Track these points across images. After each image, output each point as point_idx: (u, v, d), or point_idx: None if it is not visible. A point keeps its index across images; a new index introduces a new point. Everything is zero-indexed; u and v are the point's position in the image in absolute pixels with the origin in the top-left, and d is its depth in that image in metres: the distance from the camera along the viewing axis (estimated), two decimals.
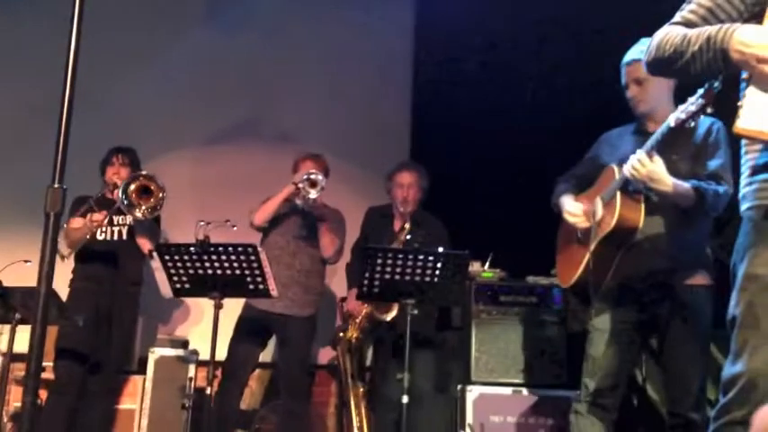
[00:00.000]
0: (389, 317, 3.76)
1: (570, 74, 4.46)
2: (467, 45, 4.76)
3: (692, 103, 2.19)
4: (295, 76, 5.05)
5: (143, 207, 3.73)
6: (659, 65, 1.78)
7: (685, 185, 2.60)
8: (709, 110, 2.15)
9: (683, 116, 2.23)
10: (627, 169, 2.54)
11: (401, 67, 5.18)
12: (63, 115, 1.60)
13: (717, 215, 2.74)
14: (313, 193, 3.78)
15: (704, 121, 2.69)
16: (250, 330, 3.92)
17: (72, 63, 1.63)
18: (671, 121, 2.30)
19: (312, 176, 3.79)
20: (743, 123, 1.56)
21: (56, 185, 1.60)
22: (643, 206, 2.63)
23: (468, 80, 4.82)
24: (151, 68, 4.90)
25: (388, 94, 5.16)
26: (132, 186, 3.74)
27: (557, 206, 3.05)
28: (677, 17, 1.79)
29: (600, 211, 2.73)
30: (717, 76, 1.70)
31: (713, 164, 2.72)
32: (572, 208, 2.91)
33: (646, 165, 2.49)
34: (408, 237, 3.72)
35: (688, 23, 1.75)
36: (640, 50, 2.72)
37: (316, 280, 4.03)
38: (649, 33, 1.83)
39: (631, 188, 2.63)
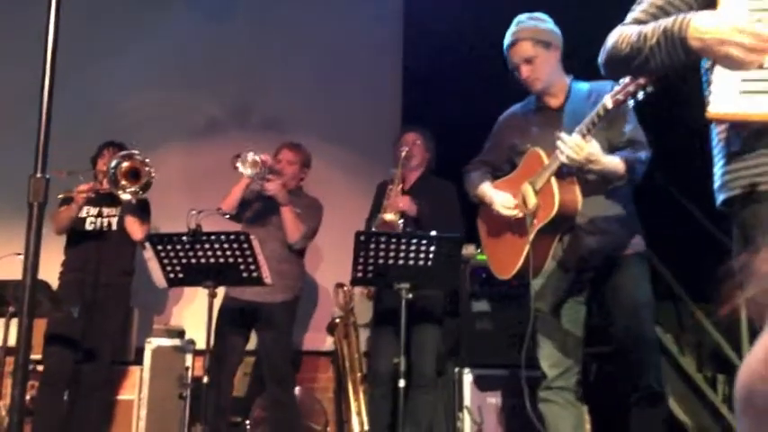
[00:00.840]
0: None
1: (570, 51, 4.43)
2: (457, 29, 4.72)
3: (629, 83, 2.15)
4: (283, 64, 5.03)
5: (131, 188, 3.70)
6: (616, 65, 1.76)
7: (616, 160, 2.56)
8: (649, 88, 2.11)
9: (620, 97, 2.19)
10: (564, 154, 2.45)
11: (391, 52, 5.15)
12: (43, 104, 1.58)
13: (638, 182, 2.69)
14: (249, 171, 3.73)
15: (605, 86, 2.55)
16: (230, 320, 3.87)
17: (51, 51, 1.61)
18: (608, 102, 2.25)
19: (251, 158, 3.75)
20: (715, 108, 1.55)
21: (38, 175, 1.59)
22: (578, 188, 2.57)
23: (459, 65, 4.79)
24: (138, 57, 4.86)
25: (378, 79, 5.13)
26: (122, 165, 3.71)
27: (476, 196, 2.95)
28: (628, 18, 1.78)
29: (533, 199, 2.64)
30: (678, 68, 1.68)
31: (628, 129, 2.68)
32: (504, 200, 2.78)
33: (583, 148, 2.42)
34: (408, 219, 3.69)
35: (640, 23, 1.73)
36: (515, 31, 2.76)
37: (290, 265, 3.98)
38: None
39: (565, 170, 2.55)
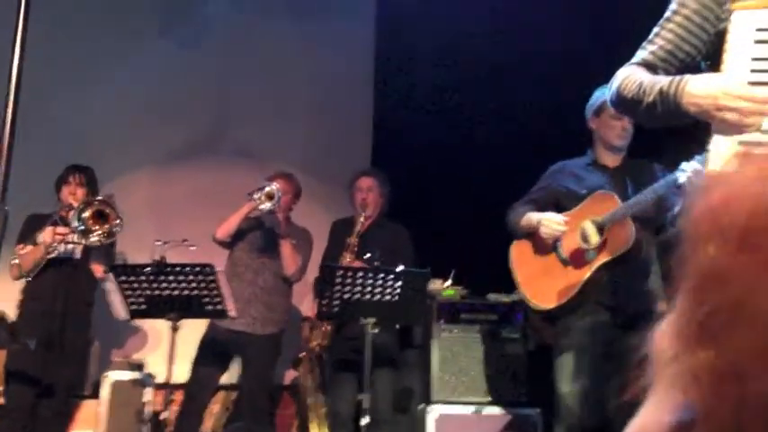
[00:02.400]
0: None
1: (534, 95, 4.52)
2: (427, 57, 4.79)
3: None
4: (252, 92, 5.03)
5: (98, 232, 3.63)
6: (623, 107, 1.81)
7: None
8: None
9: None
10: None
11: (361, 81, 5.19)
12: (5, 136, 1.55)
13: None
14: (267, 205, 3.72)
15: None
16: (212, 351, 3.86)
17: (15, 81, 1.59)
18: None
19: (267, 189, 3.74)
20: (711, 166, 1.58)
21: None
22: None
23: (429, 94, 4.85)
24: (105, 84, 4.82)
25: (347, 108, 5.16)
26: (87, 212, 3.63)
27: (522, 226, 3.06)
28: (638, 57, 1.80)
29: (595, 235, 2.82)
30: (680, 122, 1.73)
31: None
32: (551, 215, 2.95)
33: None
34: (366, 253, 3.70)
35: (648, 65, 1.76)
36: None
37: (280, 298, 3.98)
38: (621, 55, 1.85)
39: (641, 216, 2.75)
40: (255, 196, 3.74)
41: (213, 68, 5.03)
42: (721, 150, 1.56)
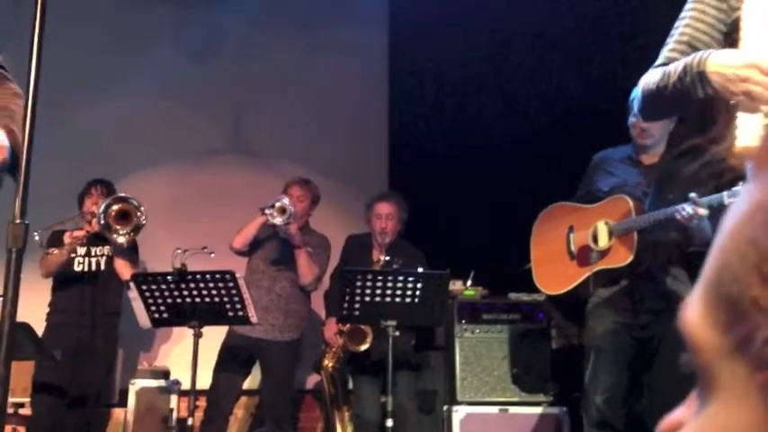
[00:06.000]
0: (363, 347, 3.73)
1: (552, 97, 4.50)
2: (443, 62, 4.78)
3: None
4: (268, 97, 5.03)
5: (122, 231, 3.67)
6: (649, 107, 1.80)
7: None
8: None
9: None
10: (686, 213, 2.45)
11: (377, 85, 5.18)
12: (23, 153, 1.57)
13: None
14: (279, 220, 3.72)
15: None
16: (233, 357, 3.89)
17: (32, 95, 1.60)
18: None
19: (279, 204, 3.74)
20: (743, 142, 1.56)
21: (17, 221, 1.57)
22: (649, 245, 2.79)
23: (444, 96, 4.83)
24: (119, 93, 4.82)
25: (365, 111, 5.16)
26: (111, 209, 3.67)
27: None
28: (660, 58, 1.80)
29: (605, 239, 2.87)
30: (697, 106, 1.70)
31: None
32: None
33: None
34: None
35: (670, 62, 1.76)
36: None
37: (298, 305, 3.99)
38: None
39: (647, 229, 2.73)
40: (268, 211, 3.72)
41: (228, 76, 5.04)
42: (749, 127, 1.54)
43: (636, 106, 1.84)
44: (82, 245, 3.88)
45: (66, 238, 3.78)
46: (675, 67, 1.66)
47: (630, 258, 2.80)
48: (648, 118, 1.90)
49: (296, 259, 3.88)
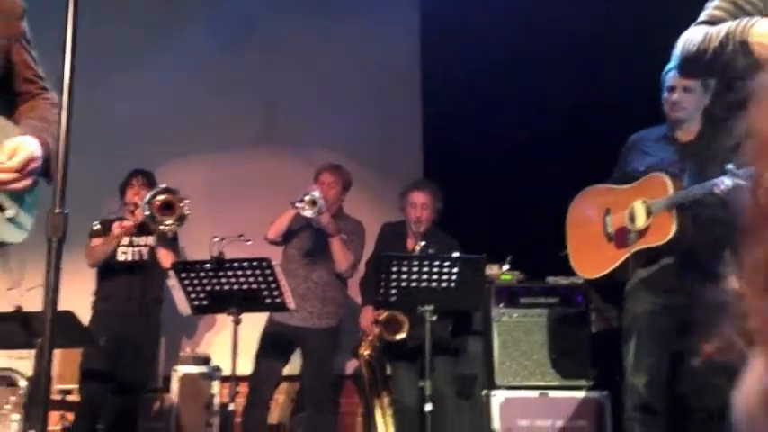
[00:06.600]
0: (399, 337, 3.73)
1: (588, 79, 4.42)
2: (475, 47, 4.72)
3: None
4: (302, 85, 5.02)
5: (167, 222, 3.73)
6: (686, 65, 1.78)
7: None
8: None
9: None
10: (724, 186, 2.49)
11: (409, 70, 5.14)
12: (60, 143, 1.59)
13: None
14: (310, 213, 3.73)
15: None
16: (273, 345, 3.94)
17: (68, 86, 1.62)
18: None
19: (309, 197, 3.74)
20: None
21: (56, 210, 1.60)
22: (689, 225, 2.74)
23: (480, 82, 4.77)
24: (153, 81, 4.87)
25: (397, 97, 5.12)
26: (156, 200, 3.73)
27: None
28: (703, 15, 1.77)
29: (642, 219, 2.80)
30: (739, 72, 1.66)
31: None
32: None
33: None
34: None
35: (713, 20, 1.71)
36: None
37: (335, 292, 4.01)
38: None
39: (687, 206, 2.69)
40: (299, 204, 3.74)
41: (259, 63, 5.03)
42: None
43: (675, 61, 1.81)
44: (128, 235, 3.97)
45: (116, 229, 3.86)
46: (718, 32, 1.62)
47: (670, 236, 2.72)
48: (686, 76, 1.88)
49: (331, 248, 3.90)
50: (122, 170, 4.16)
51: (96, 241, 4.01)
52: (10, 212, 1.77)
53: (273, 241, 4.00)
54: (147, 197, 3.72)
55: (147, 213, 3.69)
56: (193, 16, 5.11)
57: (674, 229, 2.71)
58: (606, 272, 2.95)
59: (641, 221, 2.82)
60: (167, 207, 3.74)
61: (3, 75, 1.84)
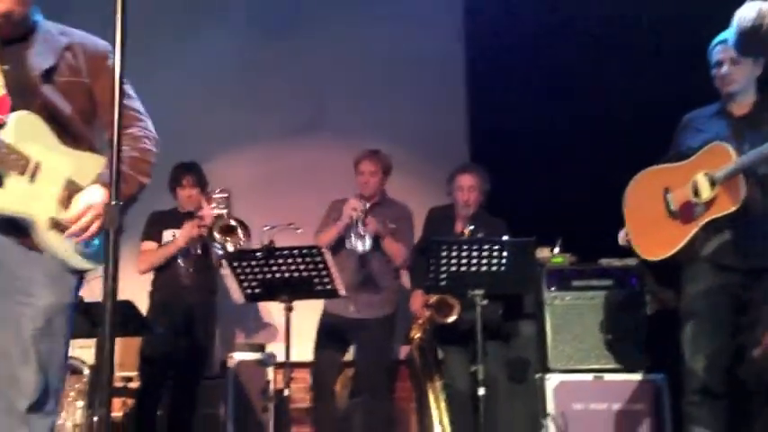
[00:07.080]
0: (450, 320, 3.72)
1: (635, 60, 4.31)
2: (520, 29, 4.65)
3: None
4: (346, 72, 5.03)
5: (230, 243, 3.79)
6: (743, 43, 1.81)
7: None
8: None
9: None
10: None
11: (454, 54, 5.09)
12: (114, 138, 1.64)
13: None
14: (361, 248, 3.81)
15: None
16: (330, 337, 3.99)
17: (119, 77, 1.66)
18: None
19: (347, 220, 3.83)
20: None
21: (112, 202, 1.64)
22: (759, 191, 2.68)
23: (526, 63, 4.70)
24: (200, 72, 4.91)
25: (443, 81, 5.07)
26: (217, 230, 3.81)
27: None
28: None
29: (707, 190, 2.72)
30: None
31: None
32: None
33: None
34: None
35: None
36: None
37: (388, 280, 4.03)
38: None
39: (752, 172, 2.63)
40: (349, 246, 3.83)
41: (305, 51, 5.01)
42: None
43: (732, 40, 1.78)
44: (177, 226, 4.04)
45: (181, 240, 3.94)
46: None
47: (740, 202, 2.63)
48: (744, 53, 1.84)
49: (383, 246, 3.92)
50: (170, 161, 4.15)
51: (148, 245, 4.10)
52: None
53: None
54: (214, 216, 3.78)
55: (216, 246, 3.82)
56: (236, 5, 5.15)
57: (743, 193, 2.63)
58: (677, 249, 2.81)
59: (707, 193, 2.72)
60: (230, 230, 3.81)
61: (89, 109, 2.06)
